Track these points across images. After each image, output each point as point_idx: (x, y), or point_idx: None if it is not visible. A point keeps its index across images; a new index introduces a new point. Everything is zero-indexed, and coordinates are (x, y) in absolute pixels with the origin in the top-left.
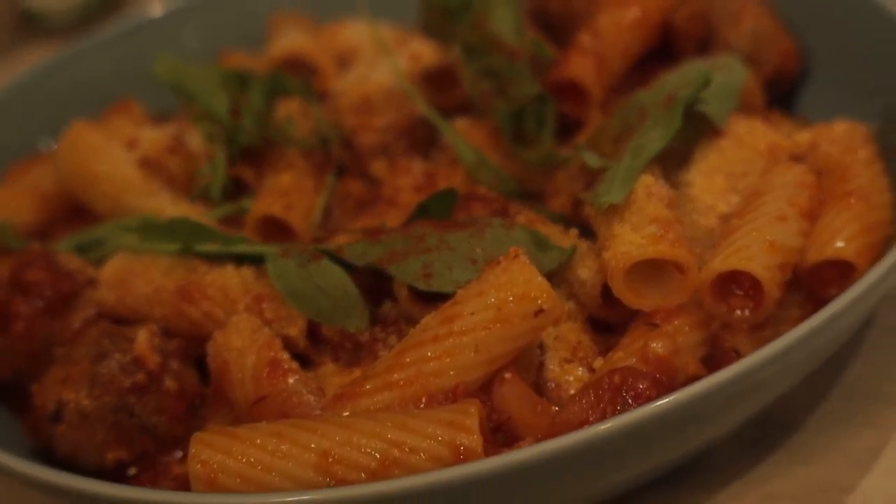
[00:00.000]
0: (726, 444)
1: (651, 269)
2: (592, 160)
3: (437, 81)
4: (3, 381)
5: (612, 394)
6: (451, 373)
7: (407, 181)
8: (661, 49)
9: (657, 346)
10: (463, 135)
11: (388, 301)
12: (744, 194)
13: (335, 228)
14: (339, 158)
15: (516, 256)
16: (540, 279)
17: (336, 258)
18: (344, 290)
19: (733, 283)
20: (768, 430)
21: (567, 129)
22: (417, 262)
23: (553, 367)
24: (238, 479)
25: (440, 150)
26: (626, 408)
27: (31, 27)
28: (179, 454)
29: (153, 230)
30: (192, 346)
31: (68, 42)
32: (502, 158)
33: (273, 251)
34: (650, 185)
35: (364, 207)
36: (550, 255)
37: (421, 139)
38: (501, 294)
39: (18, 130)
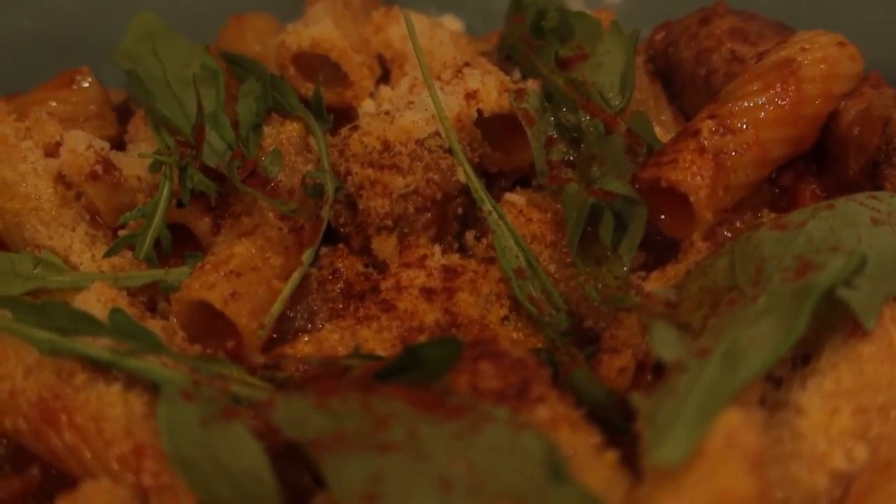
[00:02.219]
0: None
1: None
2: (667, 348)
3: (494, 134)
4: None
5: None
6: None
7: (417, 278)
8: (814, 151)
9: None
10: (513, 218)
11: (316, 494)
12: (877, 446)
13: (299, 328)
14: (335, 221)
15: None
16: None
17: (260, 415)
18: (256, 477)
19: None
20: None
21: (655, 247)
22: (365, 468)
23: None
24: None
25: (477, 237)
26: None
27: None
28: None
29: (25, 310)
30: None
31: None
32: (558, 267)
33: (177, 383)
34: (735, 431)
35: (351, 299)
36: (564, 498)
37: (453, 216)
38: None
39: None
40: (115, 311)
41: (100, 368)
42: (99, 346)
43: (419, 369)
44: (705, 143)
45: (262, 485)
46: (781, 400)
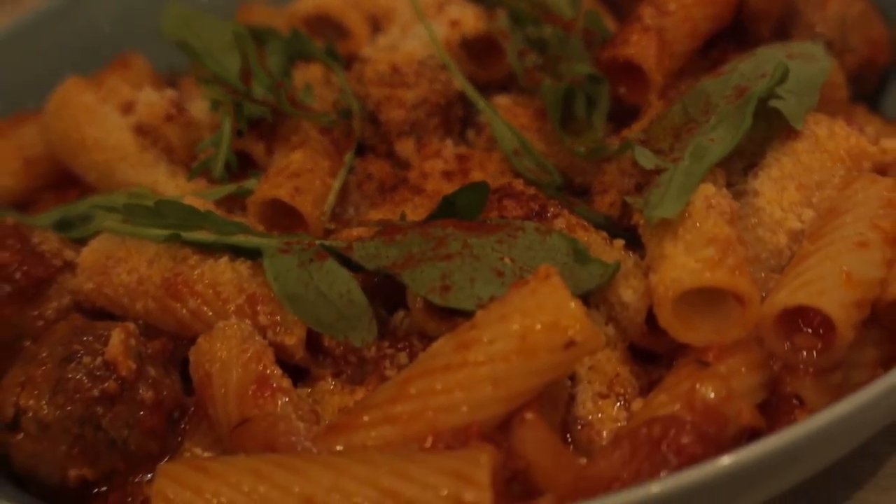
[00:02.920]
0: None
1: (705, 298)
2: (646, 159)
3: (477, 53)
4: None
5: (649, 448)
6: (464, 409)
7: (436, 165)
8: (733, 29)
9: (706, 391)
10: (504, 115)
11: (400, 310)
12: (819, 209)
13: (350, 218)
14: (362, 135)
15: (547, 277)
16: (573, 306)
17: (344, 258)
18: (350, 298)
19: (801, 318)
20: (832, 483)
21: (621, 115)
22: (436, 271)
23: (585, 402)
24: None
25: (476, 132)
26: (664, 466)
27: None
28: (148, 477)
29: (140, 213)
30: (177, 348)
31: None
32: (546, 145)
33: (273, 245)
34: (710, 197)
35: (386, 192)
36: (590, 271)
37: (455, 118)
38: (527, 321)
39: (7, 83)
40: (210, 211)
41: (208, 249)
42: (205, 232)
43: (456, 214)
44: (648, 23)
45: (356, 303)
46: (741, 190)
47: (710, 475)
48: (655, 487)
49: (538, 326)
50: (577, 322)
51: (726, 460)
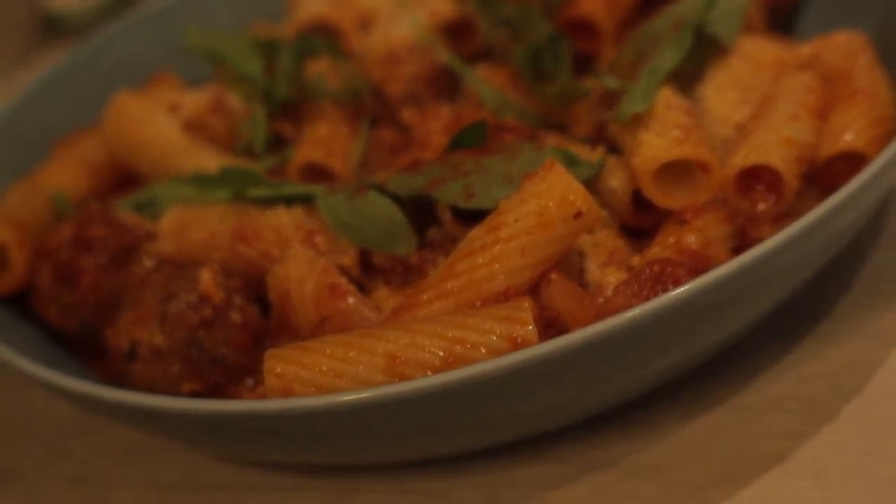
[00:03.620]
0: (755, 336)
1: (676, 172)
2: (612, 82)
3: (455, 33)
4: (74, 335)
5: (652, 282)
6: (501, 277)
7: (437, 124)
8: None
9: (690, 240)
10: (484, 80)
11: (432, 227)
12: (755, 104)
13: (373, 171)
14: (371, 109)
15: (552, 166)
16: (577, 184)
17: (381, 190)
18: (391, 218)
19: (754, 179)
20: (795, 320)
21: (582, 66)
22: (458, 185)
23: (593, 269)
24: (312, 388)
25: (465, 97)
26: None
27: (51, 29)
28: (249, 382)
29: (206, 180)
30: (250, 285)
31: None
32: (524, 98)
33: (321, 189)
34: (669, 98)
35: (398, 152)
36: (581, 169)
37: (446, 87)
38: (542, 201)
39: (63, 111)
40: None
41: (266, 203)
42: (261, 190)
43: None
44: None
45: (396, 221)
46: (691, 98)
47: (704, 283)
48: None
49: (551, 203)
50: (581, 196)
51: (717, 271)
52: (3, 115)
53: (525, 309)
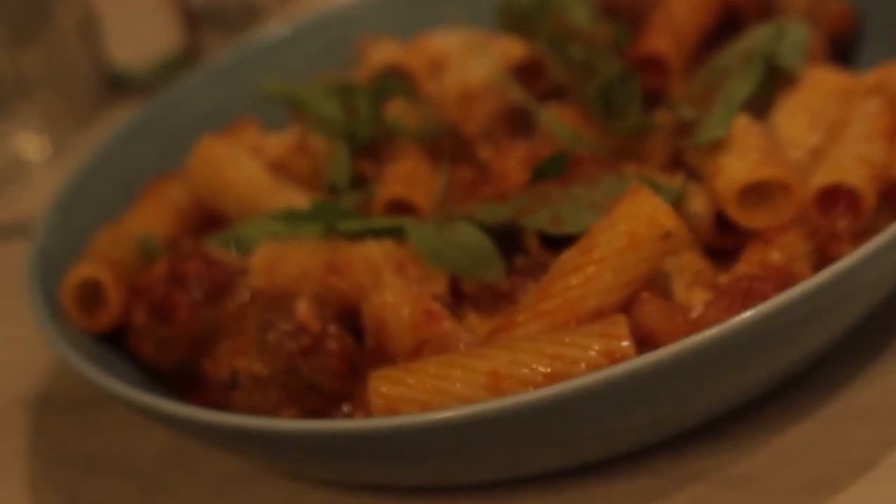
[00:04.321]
0: (840, 349)
1: (758, 192)
2: (688, 112)
3: (526, 74)
4: (169, 371)
5: (742, 297)
6: (595, 296)
7: (513, 160)
8: (728, 25)
9: (775, 257)
10: (557, 117)
11: (519, 255)
12: (826, 128)
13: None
14: (449, 147)
15: (639, 190)
16: (665, 206)
17: (469, 220)
18: (480, 246)
19: (833, 198)
20: (879, 332)
21: (651, 101)
22: (545, 213)
23: (680, 291)
24: (416, 407)
25: (539, 135)
26: None
27: (116, 87)
28: (345, 409)
29: (296, 216)
30: (343, 315)
31: (154, 97)
32: (596, 134)
33: (410, 221)
34: (746, 124)
35: (476, 188)
36: (665, 194)
37: (520, 124)
38: (632, 223)
39: (139, 165)
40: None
41: (356, 236)
42: (351, 224)
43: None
44: (662, 25)
45: (485, 249)
46: (763, 125)
47: (795, 295)
48: (758, 310)
49: (640, 225)
50: (669, 217)
51: (809, 282)
52: (88, 162)
53: (621, 325)
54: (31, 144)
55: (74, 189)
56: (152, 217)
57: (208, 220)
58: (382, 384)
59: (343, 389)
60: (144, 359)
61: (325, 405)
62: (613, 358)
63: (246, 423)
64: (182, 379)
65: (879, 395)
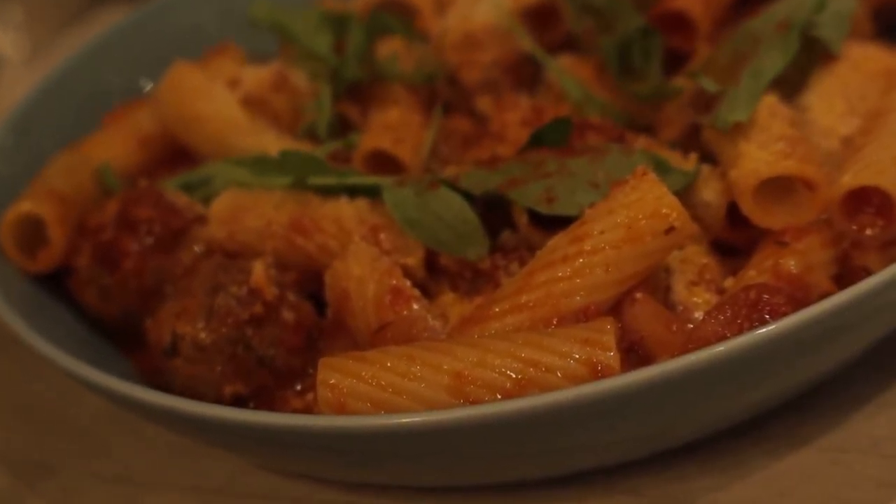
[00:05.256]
0: (849, 371)
1: (779, 188)
2: (710, 85)
3: (539, 19)
4: (113, 322)
5: (748, 310)
6: (582, 293)
7: (514, 116)
8: None
9: (790, 264)
10: (568, 71)
11: (506, 230)
12: (864, 116)
13: (444, 163)
14: (445, 96)
15: (644, 174)
16: (670, 196)
17: (453, 187)
18: (463, 218)
19: (863, 200)
20: (891, 355)
21: (673, 63)
22: (538, 187)
23: (680, 289)
24: (368, 403)
25: (546, 88)
26: (763, 324)
27: None
28: (297, 387)
29: (265, 164)
30: (306, 280)
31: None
32: (609, 94)
33: (388, 181)
34: (773, 106)
35: (471, 143)
36: (674, 178)
37: (526, 76)
38: (631, 212)
39: (120, 75)
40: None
41: (328, 192)
42: (323, 178)
43: (544, 147)
44: None
45: (468, 222)
46: (794, 106)
47: (806, 318)
48: (763, 332)
49: (641, 216)
50: (675, 210)
51: (826, 304)
52: (53, 76)
53: (607, 332)
54: (8, 41)
55: (32, 107)
56: (115, 145)
57: (174, 153)
58: (332, 374)
59: (297, 365)
60: (86, 307)
61: (274, 382)
62: (595, 369)
63: (169, 404)
64: (126, 332)
65: (890, 425)
